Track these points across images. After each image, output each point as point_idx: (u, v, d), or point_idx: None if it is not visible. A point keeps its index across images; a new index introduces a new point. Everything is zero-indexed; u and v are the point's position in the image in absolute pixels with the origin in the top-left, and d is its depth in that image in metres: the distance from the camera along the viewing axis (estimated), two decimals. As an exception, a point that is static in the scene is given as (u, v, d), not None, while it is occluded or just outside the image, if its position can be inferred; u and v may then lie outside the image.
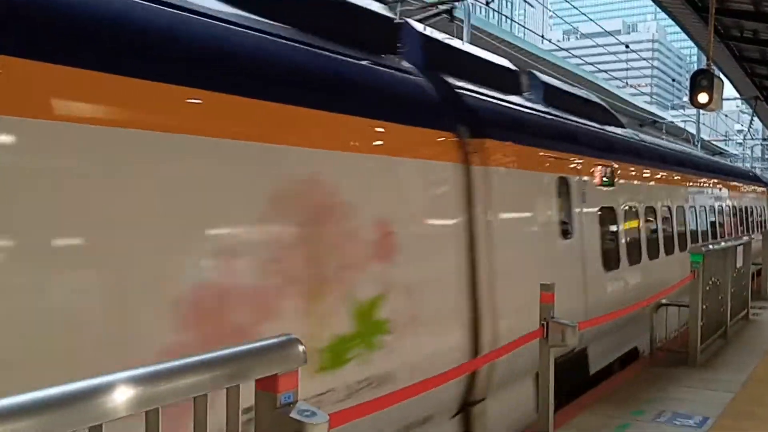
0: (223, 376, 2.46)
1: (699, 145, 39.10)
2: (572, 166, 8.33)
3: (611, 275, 9.25)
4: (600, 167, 9.19)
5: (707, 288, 9.27)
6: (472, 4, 20.07)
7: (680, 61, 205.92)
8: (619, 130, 11.44)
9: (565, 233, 7.97)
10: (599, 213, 9.00)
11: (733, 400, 7.28)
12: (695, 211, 14.40)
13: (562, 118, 8.81)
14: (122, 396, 2.08)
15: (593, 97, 11.21)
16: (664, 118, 51.34)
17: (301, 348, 2.70)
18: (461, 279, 5.88)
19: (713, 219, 16.19)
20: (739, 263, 11.15)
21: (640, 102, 62.79)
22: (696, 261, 8.88)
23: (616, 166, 9.69)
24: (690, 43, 20.11)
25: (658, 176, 12.15)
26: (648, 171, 11.51)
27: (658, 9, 15.72)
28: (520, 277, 6.61)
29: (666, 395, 7.50)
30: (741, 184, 20.45)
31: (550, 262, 7.47)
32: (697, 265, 8.85)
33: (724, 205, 17.53)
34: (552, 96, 9.06)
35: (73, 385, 2.02)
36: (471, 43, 14.89)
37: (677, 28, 17.16)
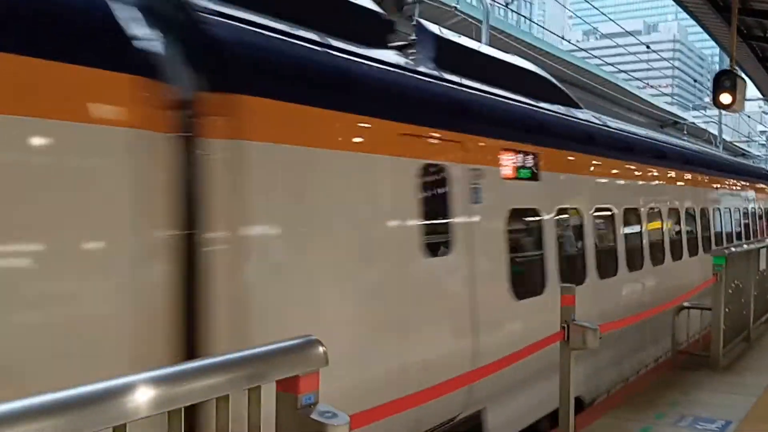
0: (244, 377, 2.47)
1: (721, 147, 38.67)
2: (458, 149, 5.75)
3: (528, 304, 6.68)
4: (513, 154, 6.66)
5: (730, 291, 9.17)
6: (490, 4, 20.02)
7: (701, 62, 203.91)
8: (573, 111, 8.83)
9: (436, 248, 5.49)
10: (509, 217, 6.47)
11: (756, 404, 7.19)
12: (678, 217, 11.40)
13: (453, 83, 6.27)
14: (145, 396, 2.10)
15: (533, 68, 8.54)
16: (685, 119, 50.87)
17: (321, 349, 2.70)
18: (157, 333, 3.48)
19: (705, 225, 12.98)
20: (762, 266, 11.02)
21: (660, 103, 62.26)
22: (719, 264, 8.79)
23: (543, 153, 7.14)
24: (711, 43, 19.91)
25: (621, 171, 9.41)
26: (604, 163, 8.87)
27: (680, 9, 15.57)
28: (316, 325, 3.79)
29: (688, 399, 7.43)
30: (743, 184, 16.73)
31: (397, 293, 5.01)
32: (720, 267, 8.76)
33: (722, 208, 14.26)
34: (449, 56, 6.55)
35: (96, 385, 2.04)
36: (489, 45, 14.77)
37: (699, 28, 16.98)
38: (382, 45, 5.84)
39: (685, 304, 9.49)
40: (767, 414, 6.90)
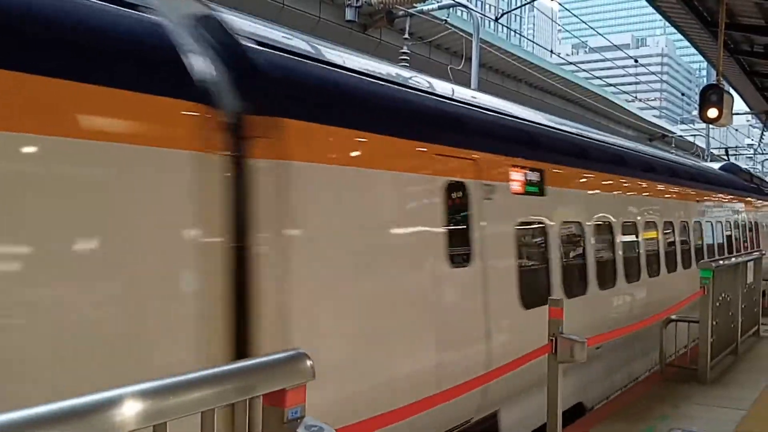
0: (230, 391, 2.46)
1: (709, 159, 38.98)
2: None
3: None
4: None
5: (717, 304, 9.21)
6: (480, 18, 20.15)
7: (690, 75, 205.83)
8: None
9: None
10: None
11: (744, 418, 7.21)
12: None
13: None
14: (131, 410, 2.08)
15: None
16: (673, 132, 51.27)
17: (308, 363, 2.69)
18: None
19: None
20: (750, 279, 11.09)
21: (648, 116, 62.72)
22: (706, 276, 8.84)
23: None
24: (700, 57, 20.10)
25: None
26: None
27: (668, 24, 15.73)
28: None
29: (676, 412, 7.45)
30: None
31: None
32: (707, 281, 8.81)
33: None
34: None
35: (82, 399, 2.03)
36: (479, 58, 14.84)
37: (687, 43, 17.15)
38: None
39: (673, 317, 9.53)
40: (755, 428, 6.92)
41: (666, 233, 11.35)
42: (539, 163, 7.36)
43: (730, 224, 15.97)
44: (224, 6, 4.88)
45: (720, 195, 15.56)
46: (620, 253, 9.32)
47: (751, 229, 18.14)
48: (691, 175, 13.85)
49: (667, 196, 11.71)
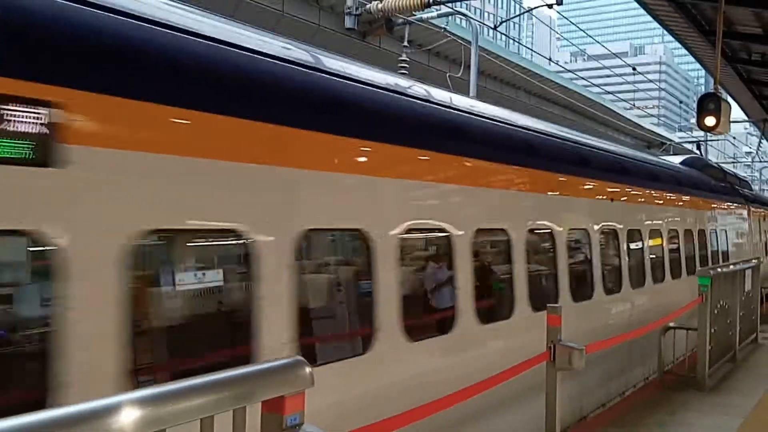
0: (229, 398, 2.46)
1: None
2: None
3: None
4: None
5: (715, 311, 9.22)
6: (479, 25, 20.21)
7: (687, 83, 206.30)
8: None
9: None
10: None
11: (742, 425, 7.21)
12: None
13: None
14: (129, 417, 2.09)
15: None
16: (671, 140, 51.33)
17: (307, 370, 2.70)
18: None
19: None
20: (748, 287, 11.09)
21: (647, 123, 62.78)
22: (704, 284, 8.84)
23: None
24: (697, 65, 20.16)
25: None
26: None
27: (666, 32, 15.79)
28: None
29: (675, 419, 7.44)
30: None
31: None
32: (705, 288, 8.82)
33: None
34: None
35: (81, 406, 2.03)
36: (477, 65, 14.82)
37: (685, 51, 17.21)
38: None
39: (671, 324, 9.53)
40: (753, 435, 6.92)
41: (548, 253, 7.44)
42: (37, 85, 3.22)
43: (678, 234, 11.68)
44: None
45: (669, 195, 11.67)
46: (467, 284, 5.72)
47: (715, 240, 14.00)
48: (617, 167, 10.08)
49: (563, 193, 7.91)
